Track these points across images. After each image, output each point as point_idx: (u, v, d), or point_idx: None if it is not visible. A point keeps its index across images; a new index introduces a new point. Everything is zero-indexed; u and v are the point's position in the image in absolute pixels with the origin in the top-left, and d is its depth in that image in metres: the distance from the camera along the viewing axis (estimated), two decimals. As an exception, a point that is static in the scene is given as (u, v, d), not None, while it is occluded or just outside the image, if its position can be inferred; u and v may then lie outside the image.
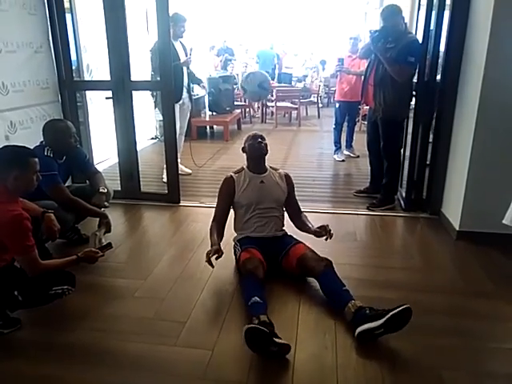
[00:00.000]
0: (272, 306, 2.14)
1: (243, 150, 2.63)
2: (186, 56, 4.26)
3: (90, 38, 4.35)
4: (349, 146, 5.53)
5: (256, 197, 2.53)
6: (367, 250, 2.98)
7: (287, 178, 2.67)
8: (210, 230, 2.51)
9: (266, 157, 2.61)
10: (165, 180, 3.97)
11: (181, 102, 4.31)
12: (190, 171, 4.69)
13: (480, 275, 2.57)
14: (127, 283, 2.47)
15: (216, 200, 2.62)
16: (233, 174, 2.59)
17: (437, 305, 2.26)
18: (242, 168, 2.63)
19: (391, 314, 1.85)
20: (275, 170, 2.69)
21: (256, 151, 2.55)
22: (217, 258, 2.28)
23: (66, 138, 2.68)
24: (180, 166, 4.39)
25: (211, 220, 2.59)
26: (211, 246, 2.33)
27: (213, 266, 2.27)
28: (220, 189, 2.61)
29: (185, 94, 4.37)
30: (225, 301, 2.29)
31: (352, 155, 5.47)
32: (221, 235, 2.52)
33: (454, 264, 2.75)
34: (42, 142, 2.66)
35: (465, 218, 2.96)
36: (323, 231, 2.42)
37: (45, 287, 2.03)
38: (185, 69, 4.28)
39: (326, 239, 2.41)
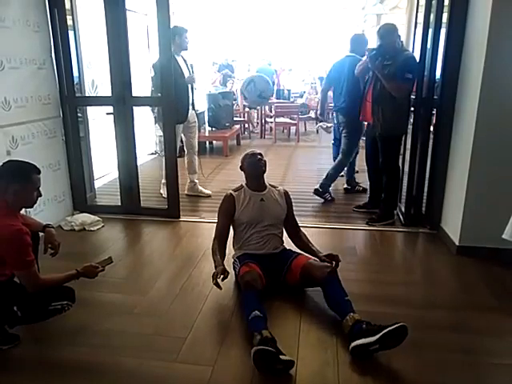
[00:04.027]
0: (273, 322, 2.12)
1: (241, 168, 2.61)
2: (190, 72, 4.15)
3: (95, 54, 4.40)
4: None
5: (256, 215, 2.52)
6: (367, 265, 2.98)
7: (286, 195, 2.66)
8: (212, 249, 2.50)
9: (265, 173, 2.60)
10: (164, 195, 3.98)
11: (187, 121, 4.17)
12: (209, 192, 4.45)
13: (481, 290, 2.57)
14: (127, 299, 2.46)
15: (216, 217, 2.61)
16: (232, 192, 2.58)
17: (438, 320, 2.25)
18: (242, 186, 2.61)
19: (386, 330, 1.85)
20: (274, 187, 2.67)
21: (255, 168, 2.54)
22: (223, 279, 2.26)
23: None
24: (199, 188, 4.38)
25: (213, 238, 2.57)
26: (215, 268, 2.31)
27: (220, 288, 2.25)
28: (220, 207, 2.60)
29: (190, 112, 4.21)
30: (225, 316, 2.28)
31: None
32: (223, 254, 2.49)
33: (455, 279, 2.75)
34: None
35: (464, 232, 2.97)
36: (331, 260, 2.37)
37: (44, 302, 2.02)
38: (189, 86, 4.13)
39: (335, 268, 2.38)
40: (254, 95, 2.90)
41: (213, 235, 2.59)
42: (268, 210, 2.54)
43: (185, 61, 4.18)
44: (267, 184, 2.64)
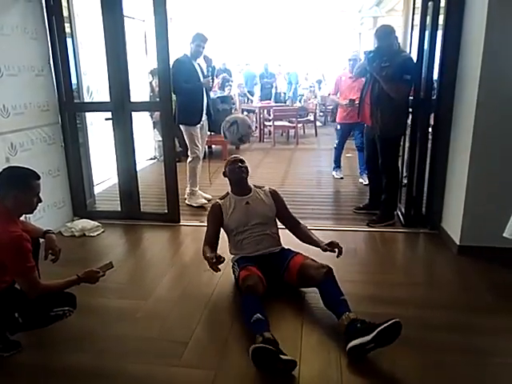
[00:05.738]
0: (274, 324, 2.11)
1: (224, 174, 2.68)
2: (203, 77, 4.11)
3: (89, 61, 4.41)
4: (363, 172, 5.06)
5: (243, 218, 2.55)
6: (368, 266, 2.97)
7: (273, 193, 2.69)
8: (203, 250, 2.50)
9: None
10: (194, 204, 4.20)
11: (200, 124, 4.15)
12: (209, 197, 4.41)
13: (482, 290, 2.56)
14: (128, 304, 2.45)
15: (206, 224, 2.64)
16: (219, 201, 2.64)
17: (439, 320, 2.25)
18: (227, 193, 2.68)
19: (380, 328, 1.86)
20: (260, 187, 2.71)
21: (236, 175, 2.61)
22: (219, 263, 2.25)
23: None
24: (199, 192, 4.32)
25: (202, 244, 2.56)
26: (208, 262, 2.31)
27: (219, 269, 2.25)
28: (208, 216, 2.65)
29: (204, 117, 4.20)
30: (227, 320, 2.27)
31: (365, 183, 4.89)
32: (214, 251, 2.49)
33: (456, 279, 2.74)
34: None
35: (465, 232, 2.97)
36: (333, 248, 2.41)
37: (45, 309, 2.01)
38: (204, 90, 4.12)
39: (338, 256, 2.40)
40: (235, 138, 2.96)
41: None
42: (254, 211, 2.57)
43: (200, 66, 4.17)
44: (252, 186, 2.68)
